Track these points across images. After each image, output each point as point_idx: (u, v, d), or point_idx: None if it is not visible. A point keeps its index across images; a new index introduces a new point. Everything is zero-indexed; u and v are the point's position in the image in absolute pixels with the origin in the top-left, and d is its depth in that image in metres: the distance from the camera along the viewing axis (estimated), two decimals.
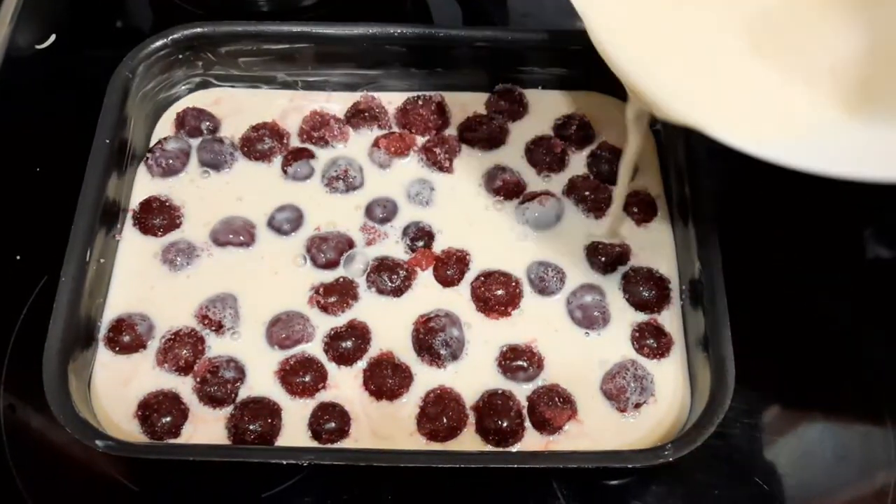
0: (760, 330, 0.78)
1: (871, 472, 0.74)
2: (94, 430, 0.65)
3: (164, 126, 0.85)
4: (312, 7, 0.98)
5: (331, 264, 0.77)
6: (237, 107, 0.86)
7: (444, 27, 0.84)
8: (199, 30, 0.82)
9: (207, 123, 0.84)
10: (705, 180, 0.76)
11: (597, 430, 0.70)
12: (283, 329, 0.72)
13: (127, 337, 0.73)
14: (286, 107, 0.86)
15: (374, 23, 0.83)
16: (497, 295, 0.74)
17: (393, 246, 0.78)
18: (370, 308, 0.75)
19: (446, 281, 0.76)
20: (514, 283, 0.75)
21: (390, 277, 0.75)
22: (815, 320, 0.80)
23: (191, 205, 0.80)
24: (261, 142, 0.82)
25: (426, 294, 0.76)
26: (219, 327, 0.73)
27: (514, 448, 0.69)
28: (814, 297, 0.81)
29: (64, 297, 0.70)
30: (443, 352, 0.72)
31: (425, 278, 0.77)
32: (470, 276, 0.76)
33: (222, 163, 0.82)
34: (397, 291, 0.75)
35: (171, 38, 0.82)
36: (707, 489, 0.72)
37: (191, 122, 0.83)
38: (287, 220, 0.79)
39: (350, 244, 0.78)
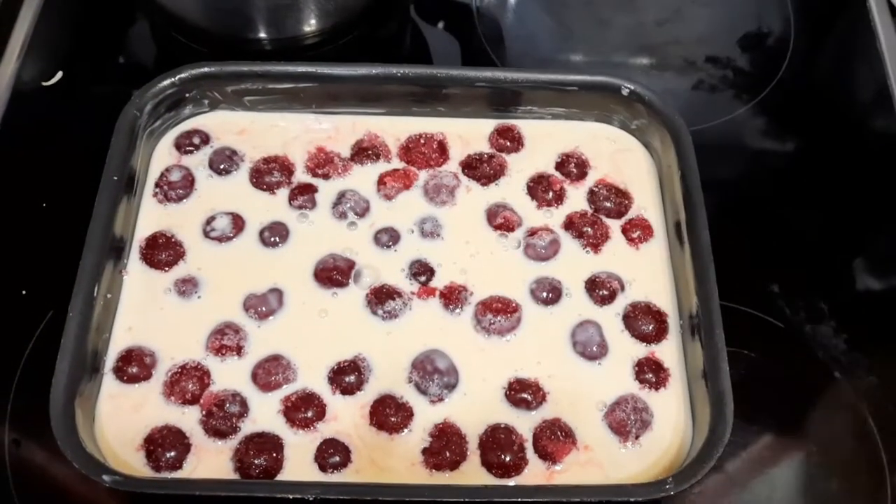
0: (756, 361, 0.80)
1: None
2: (100, 466, 0.66)
3: (164, 147, 0.86)
4: (314, 46, 1.01)
5: (339, 284, 0.78)
6: (243, 130, 0.87)
7: (445, 68, 0.86)
8: (205, 69, 0.84)
9: (197, 139, 0.85)
10: (701, 215, 0.78)
11: (599, 462, 0.71)
12: (266, 374, 0.74)
13: (135, 368, 0.73)
14: (291, 137, 0.87)
15: (377, 63, 0.85)
16: (497, 315, 0.76)
17: (397, 273, 0.80)
18: (370, 334, 0.76)
19: (447, 311, 0.78)
20: (513, 305, 0.77)
21: (388, 303, 0.77)
22: (809, 351, 0.82)
23: (194, 238, 0.81)
24: (269, 174, 0.84)
25: (424, 323, 0.77)
26: (239, 350, 0.75)
27: (518, 479, 0.70)
28: (807, 327, 0.83)
29: (72, 332, 0.70)
30: (441, 392, 0.74)
31: (424, 307, 0.78)
32: (470, 306, 0.78)
33: (231, 171, 0.84)
34: (393, 316, 0.77)
35: (178, 77, 0.83)
36: None
37: (184, 143, 0.85)
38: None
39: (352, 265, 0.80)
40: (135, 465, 0.70)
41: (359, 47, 1.02)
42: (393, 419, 0.72)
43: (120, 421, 0.72)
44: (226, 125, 0.87)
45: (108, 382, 0.74)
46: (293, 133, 0.87)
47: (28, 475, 0.74)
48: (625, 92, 0.85)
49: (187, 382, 0.73)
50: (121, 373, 0.74)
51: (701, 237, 0.76)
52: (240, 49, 1.00)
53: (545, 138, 0.88)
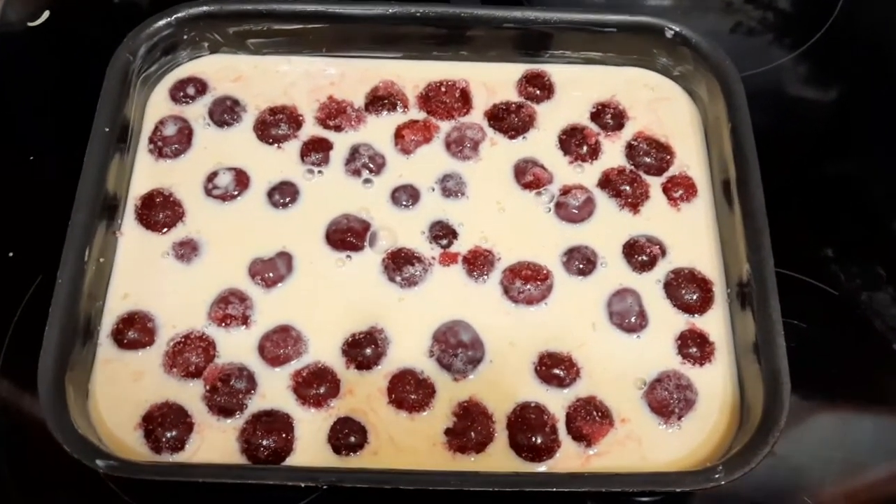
0: (807, 331, 0.74)
1: None
2: (94, 449, 0.61)
3: (159, 96, 0.80)
4: None
5: (353, 247, 0.73)
6: (242, 76, 0.81)
7: (469, 7, 0.79)
8: (205, 8, 0.78)
9: (192, 89, 0.79)
10: (754, 172, 0.71)
11: (638, 443, 0.66)
12: (274, 347, 0.69)
13: (135, 333, 0.68)
14: (296, 83, 0.80)
15: (394, 2, 0.78)
16: (527, 283, 0.71)
17: (416, 236, 0.74)
18: (387, 303, 0.71)
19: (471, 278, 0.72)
20: (544, 272, 0.71)
21: (406, 269, 0.71)
22: (865, 320, 0.77)
23: (194, 196, 0.75)
24: (276, 126, 0.78)
25: (446, 290, 0.72)
26: (245, 321, 0.70)
27: (550, 462, 0.65)
28: (863, 294, 0.78)
29: (61, 300, 0.65)
30: (465, 367, 0.68)
31: (446, 274, 0.72)
32: (497, 272, 0.72)
33: (233, 122, 0.78)
34: (412, 283, 0.71)
35: (174, 17, 0.77)
36: None
37: (178, 95, 0.79)
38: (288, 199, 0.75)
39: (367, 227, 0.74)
40: (132, 445, 0.65)
41: None
42: (413, 397, 0.67)
43: (116, 394, 0.67)
44: (225, 71, 0.81)
45: (104, 349, 0.68)
46: (291, 79, 0.81)
47: (18, 454, 0.69)
48: (669, 34, 0.78)
49: (191, 354, 0.68)
50: (120, 336, 0.68)
51: (755, 197, 0.70)
52: None
53: (578, 85, 0.81)
